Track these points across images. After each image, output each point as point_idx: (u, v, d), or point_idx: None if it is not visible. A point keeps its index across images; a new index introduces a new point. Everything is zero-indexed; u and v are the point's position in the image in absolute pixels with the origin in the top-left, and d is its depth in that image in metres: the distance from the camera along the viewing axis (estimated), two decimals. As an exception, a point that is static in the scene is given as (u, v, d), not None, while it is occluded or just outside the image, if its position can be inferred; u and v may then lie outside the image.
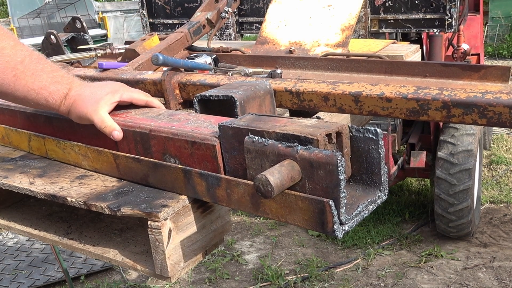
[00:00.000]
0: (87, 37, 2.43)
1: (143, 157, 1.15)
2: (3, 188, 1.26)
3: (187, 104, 1.59)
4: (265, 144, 0.90)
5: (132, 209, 1.04)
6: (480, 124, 1.19)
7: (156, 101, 1.30)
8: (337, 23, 2.08)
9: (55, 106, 1.20)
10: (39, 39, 5.82)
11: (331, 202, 0.84)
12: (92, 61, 2.24)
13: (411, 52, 2.18)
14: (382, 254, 4.45)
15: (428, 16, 2.98)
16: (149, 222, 1.02)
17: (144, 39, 2.20)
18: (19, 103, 1.27)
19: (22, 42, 1.22)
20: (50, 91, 1.19)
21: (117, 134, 1.16)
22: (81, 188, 1.18)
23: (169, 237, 1.04)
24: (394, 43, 2.41)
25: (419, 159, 4.55)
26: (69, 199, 1.13)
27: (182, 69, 1.62)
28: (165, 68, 1.63)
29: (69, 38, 2.43)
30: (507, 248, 4.40)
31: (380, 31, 3.14)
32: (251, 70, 1.67)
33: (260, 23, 2.55)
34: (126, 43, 2.43)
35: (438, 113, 1.22)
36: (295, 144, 0.87)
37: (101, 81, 1.40)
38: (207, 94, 1.27)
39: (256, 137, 0.92)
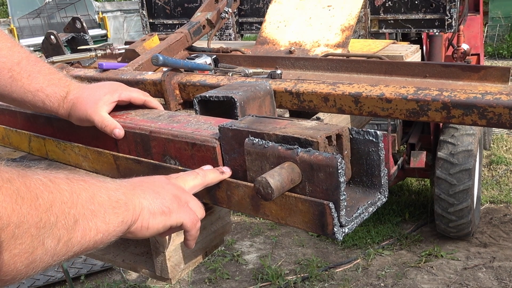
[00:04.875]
0: (87, 37, 2.43)
1: (143, 159, 1.15)
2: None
3: (187, 104, 1.59)
4: (265, 146, 0.90)
5: (132, 211, 1.04)
6: (480, 125, 1.19)
7: (154, 101, 1.30)
8: (337, 24, 2.08)
9: (53, 109, 1.20)
10: (39, 39, 5.83)
11: (331, 205, 0.84)
12: (92, 61, 2.24)
13: (411, 53, 2.18)
14: (382, 254, 4.45)
15: (428, 17, 2.98)
16: (149, 224, 1.02)
17: (144, 40, 2.20)
18: (17, 105, 1.27)
19: (20, 44, 1.22)
20: (47, 93, 1.18)
21: (118, 131, 1.16)
22: (81, 189, 1.18)
23: (169, 239, 1.04)
24: (394, 43, 2.41)
25: (419, 159, 4.55)
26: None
27: (182, 70, 1.62)
28: (165, 69, 1.63)
29: (69, 38, 2.43)
30: (507, 248, 4.40)
31: (380, 31, 3.14)
32: (251, 70, 1.67)
33: (260, 23, 2.54)
34: (126, 43, 2.43)
35: (438, 114, 1.22)
36: (295, 146, 0.87)
37: (101, 81, 1.40)
38: (207, 95, 1.27)
39: (256, 139, 0.92)
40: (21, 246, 0.64)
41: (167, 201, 0.88)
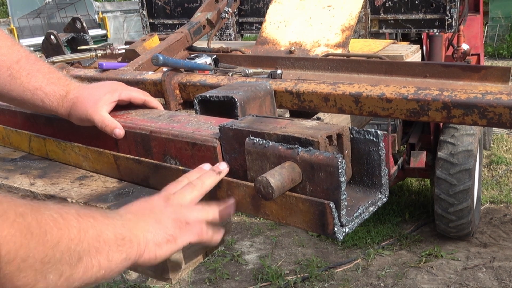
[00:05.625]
0: (87, 38, 2.43)
1: (143, 158, 1.15)
2: (4, 188, 1.26)
3: (187, 104, 1.59)
4: (266, 146, 0.90)
5: (133, 211, 1.04)
6: (480, 124, 1.19)
7: (154, 101, 1.30)
8: (337, 24, 2.08)
9: (52, 108, 1.20)
10: (39, 39, 5.83)
11: (332, 204, 0.84)
12: (92, 61, 2.24)
13: (411, 52, 2.18)
14: (382, 254, 4.45)
15: (428, 17, 2.98)
16: (149, 224, 1.02)
17: (144, 40, 2.20)
18: (16, 105, 1.27)
19: (20, 44, 1.22)
20: (46, 92, 1.19)
21: (119, 131, 1.16)
22: (82, 189, 1.18)
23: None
24: (394, 43, 2.41)
25: (419, 159, 4.55)
26: (69, 200, 1.13)
27: (182, 70, 1.62)
28: (165, 69, 1.63)
29: (69, 38, 2.43)
30: (507, 248, 4.40)
31: (380, 31, 3.14)
32: (251, 70, 1.67)
33: (260, 23, 2.55)
34: (126, 43, 2.43)
35: (439, 114, 1.22)
36: (296, 146, 0.87)
37: (101, 81, 1.40)
38: (207, 95, 1.27)
39: (257, 139, 0.92)
40: (24, 279, 0.67)
41: (170, 229, 0.90)
